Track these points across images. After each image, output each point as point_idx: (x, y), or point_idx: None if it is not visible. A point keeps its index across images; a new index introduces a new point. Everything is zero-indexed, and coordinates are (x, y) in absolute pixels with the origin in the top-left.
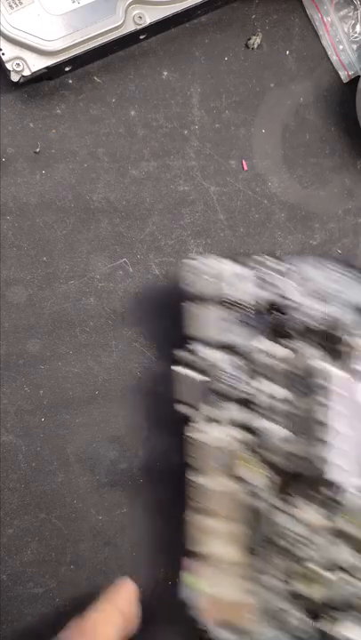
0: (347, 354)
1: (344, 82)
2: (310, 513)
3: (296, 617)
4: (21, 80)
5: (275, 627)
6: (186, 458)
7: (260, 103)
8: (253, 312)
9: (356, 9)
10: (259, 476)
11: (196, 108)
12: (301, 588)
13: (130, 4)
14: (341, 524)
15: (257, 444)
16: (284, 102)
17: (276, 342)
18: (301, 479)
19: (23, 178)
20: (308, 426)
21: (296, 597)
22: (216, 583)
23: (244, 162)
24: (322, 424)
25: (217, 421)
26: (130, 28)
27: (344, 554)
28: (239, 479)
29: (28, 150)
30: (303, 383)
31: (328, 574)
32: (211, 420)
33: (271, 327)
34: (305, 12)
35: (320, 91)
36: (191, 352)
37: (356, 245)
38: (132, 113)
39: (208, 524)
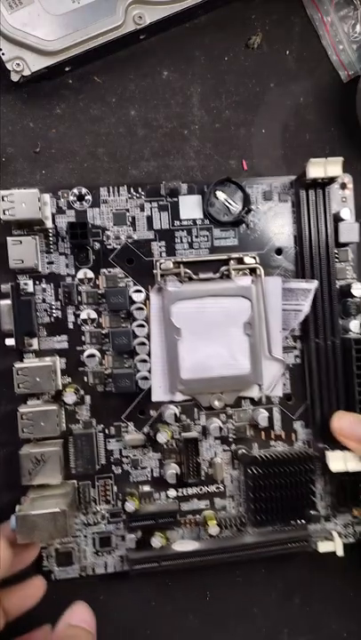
0: (160, 276)
1: (344, 82)
2: (134, 434)
3: (122, 535)
4: (21, 80)
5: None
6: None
7: (260, 103)
8: (69, 241)
9: (356, 9)
10: (77, 398)
11: (196, 107)
12: (128, 505)
13: (130, 4)
14: (162, 438)
15: (80, 370)
16: (284, 102)
17: (92, 269)
18: (124, 402)
19: (23, 178)
20: (127, 348)
21: (121, 516)
22: (38, 506)
23: (244, 162)
24: (141, 345)
25: (42, 351)
26: (130, 27)
27: (169, 469)
28: (64, 404)
29: (27, 150)
30: (119, 307)
31: (150, 489)
32: (36, 350)
33: (84, 253)
34: (305, 11)
35: (320, 91)
36: (16, 285)
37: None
38: (132, 113)
39: (36, 452)
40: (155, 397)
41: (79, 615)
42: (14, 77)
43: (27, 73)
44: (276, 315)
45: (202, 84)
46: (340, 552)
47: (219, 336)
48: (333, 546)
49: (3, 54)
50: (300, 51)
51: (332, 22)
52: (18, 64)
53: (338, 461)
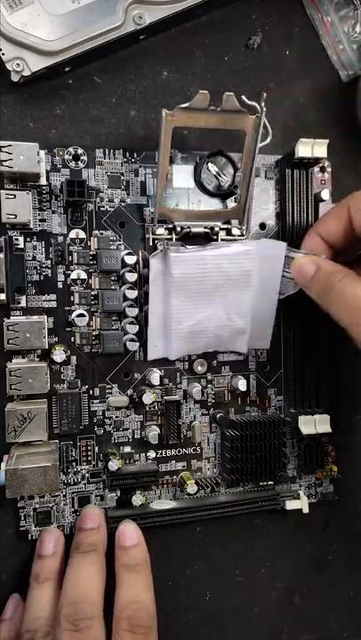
0: (152, 240)
1: (344, 82)
2: (117, 396)
3: (101, 495)
4: (21, 80)
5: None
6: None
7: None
8: (65, 199)
9: (356, 9)
10: (65, 357)
11: None
12: (111, 464)
13: (130, 4)
14: (148, 399)
15: (67, 330)
16: (284, 102)
17: (83, 230)
18: (109, 364)
19: None
20: (117, 309)
21: (101, 476)
22: (25, 462)
23: None
24: (130, 307)
25: (30, 309)
26: (130, 28)
27: (151, 431)
28: (50, 363)
29: None
30: (112, 268)
31: (131, 450)
32: (24, 307)
33: (78, 213)
34: (305, 11)
35: (320, 91)
36: (9, 238)
37: None
38: (132, 113)
39: (23, 410)
40: (150, 356)
41: (128, 536)
42: (14, 77)
43: (27, 73)
44: (273, 279)
45: (202, 84)
46: (305, 509)
47: (217, 297)
48: (300, 504)
49: (3, 54)
50: (300, 51)
51: (332, 22)
52: (18, 64)
53: (309, 425)
